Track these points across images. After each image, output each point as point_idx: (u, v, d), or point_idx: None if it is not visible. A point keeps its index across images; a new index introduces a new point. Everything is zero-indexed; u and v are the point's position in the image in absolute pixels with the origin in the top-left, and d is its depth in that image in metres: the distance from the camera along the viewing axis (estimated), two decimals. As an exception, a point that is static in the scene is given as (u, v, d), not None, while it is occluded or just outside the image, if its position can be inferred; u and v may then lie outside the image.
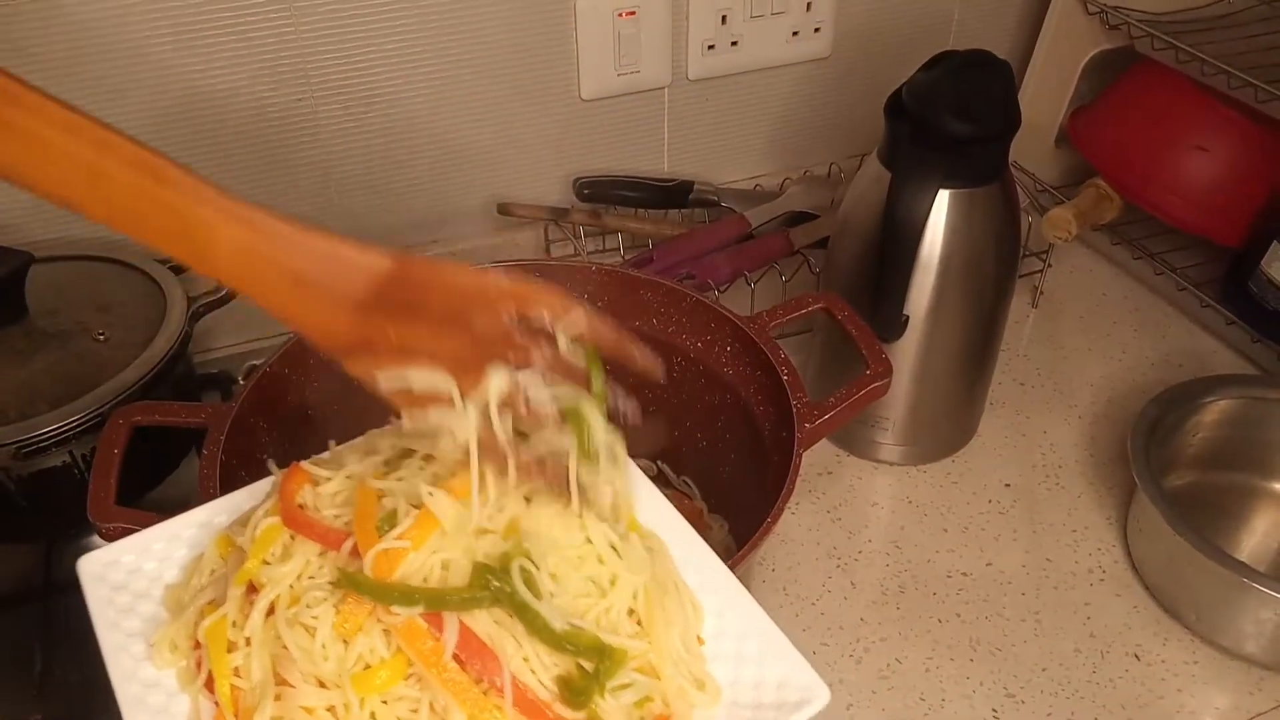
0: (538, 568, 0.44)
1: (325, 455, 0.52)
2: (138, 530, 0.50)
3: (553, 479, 0.46)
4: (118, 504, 0.55)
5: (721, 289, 0.91)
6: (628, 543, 0.48)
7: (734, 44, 0.98)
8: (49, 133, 0.41)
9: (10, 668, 0.68)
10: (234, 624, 0.45)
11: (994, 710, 0.66)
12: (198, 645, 0.46)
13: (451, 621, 0.42)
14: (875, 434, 0.82)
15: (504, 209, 0.97)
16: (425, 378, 0.45)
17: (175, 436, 0.76)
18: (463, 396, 0.44)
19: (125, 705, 0.45)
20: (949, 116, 0.68)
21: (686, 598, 0.48)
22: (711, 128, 1.04)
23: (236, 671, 0.44)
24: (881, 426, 0.82)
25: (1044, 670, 0.69)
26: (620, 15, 0.92)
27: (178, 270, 0.80)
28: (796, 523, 0.79)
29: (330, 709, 0.43)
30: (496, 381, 0.44)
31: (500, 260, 0.73)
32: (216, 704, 0.44)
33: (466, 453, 0.45)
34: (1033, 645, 0.70)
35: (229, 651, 0.44)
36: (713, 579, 0.50)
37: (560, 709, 0.43)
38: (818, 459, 0.84)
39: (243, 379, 0.88)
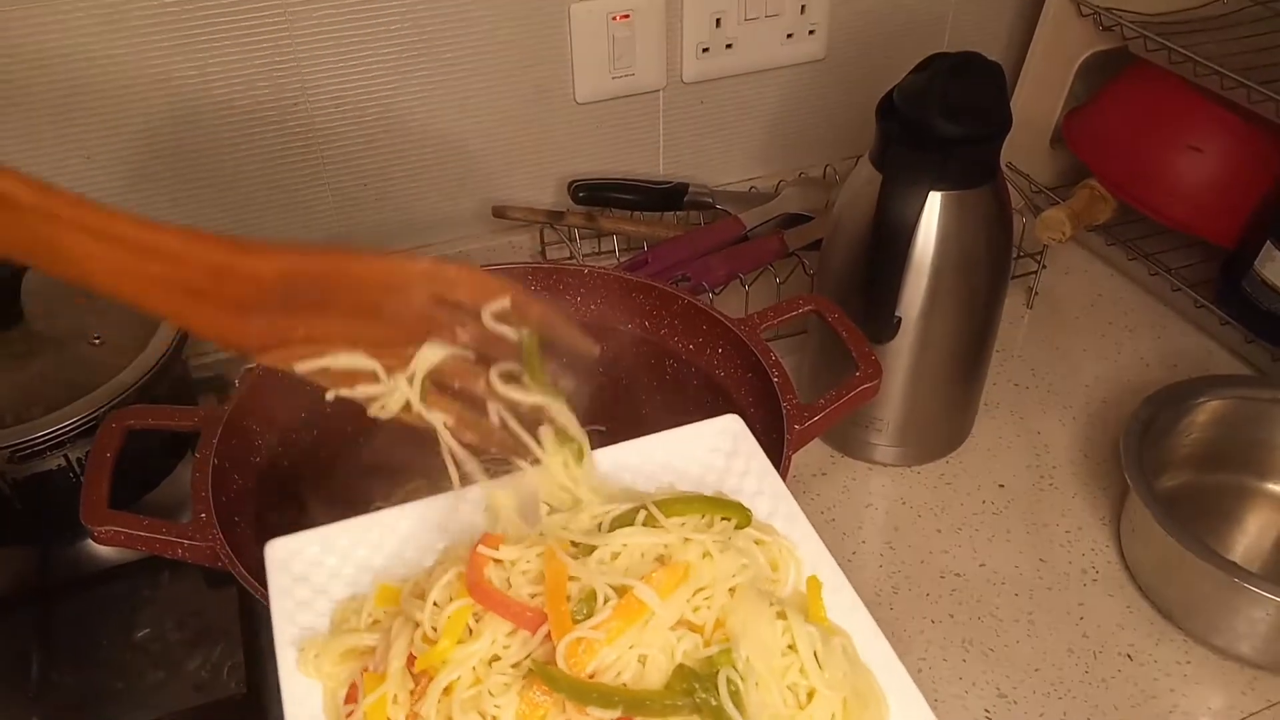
0: (743, 679, 0.42)
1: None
2: (131, 533, 0.50)
3: (507, 440, 0.45)
4: (112, 508, 0.55)
5: (716, 291, 0.91)
6: (829, 648, 0.45)
7: (728, 47, 0.98)
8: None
9: (6, 672, 0.68)
10: (394, 699, 0.43)
11: (986, 711, 0.66)
12: (351, 693, 0.44)
13: None
14: (869, 435, 0.82)
15: (499, 212, 0.97)
16: (345, 359, 0.44)
17: (172, 440, 0.77)
18: (388, 372, 0.44)
19: (287, 702, 0.45)
20: (939, 118, 0.68)
21: (885, 710, 0.46)
22: (706, 130, 1.04)
23: None
24: (875, 428, 0.82)
25: (1037, 670, 0.69)
26: (614, 18, 0.92)
27: (173, 274, 0.80)
28: (790, 524, 0.79)
29: None
30: (427, 353, 0.44)
31: (495, 263, 0.73)
32: None
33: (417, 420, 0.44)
34: (1026, 646, 0.70)
35: None
36: (894, 683, 0.47)
37: None
38: (812, 460, 0.84)
39: (238, 382, 0.89)
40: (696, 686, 0.42)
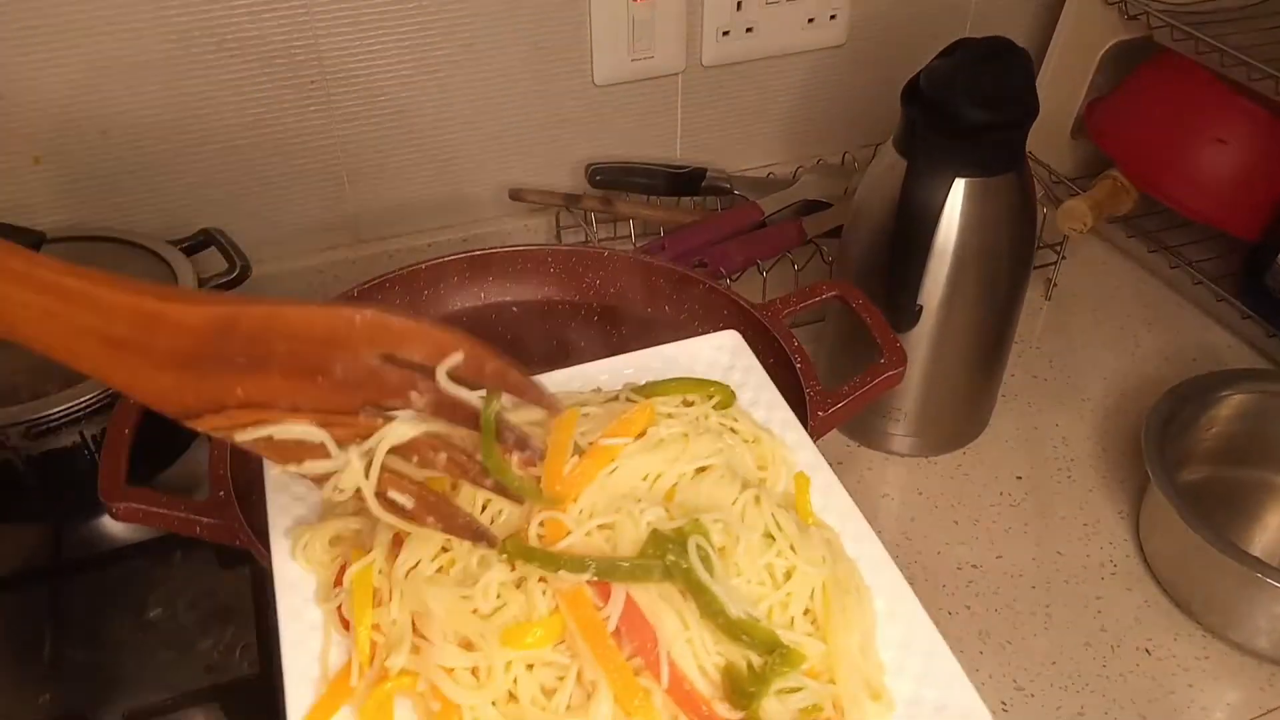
0: (714, 548, 0.43)
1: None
2: (149, 509, 0.50)
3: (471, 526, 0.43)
4: (128, 484, 0.55)
5: (733, 277, 0.90)
6: (806, 535, 0.46)
7: (749, 30, 0.97)
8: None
9: (20, 648, 0.68)
10: (380, 571, 0.45)
11: (1003, 703, 0.66)
12: (340, 575, 0.46)
13: (619, 594, 0.41)
14: (887, 425, 0.82)
15: (516, 195, 0.97)
16: (291, 429, 0.39)
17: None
18: (340, 444, 0.40)
19: (280, 590, 0.46)
20: (966, 104, 0.68)
21: (868, 600, 0.46)
22: (725, 114, 1.03)
23: (376, 627, 0.44)
24: (893, 417, 0.81)
25: (1054, 664, 0.68)
26: (635, 0, 0.91)
27: (189, 251, 0.80)
28: (806, 512, 0.78)
29: (472, 670, 0.42)
30: (394, 430, 0.40)
31: (513, 245, 0.73)
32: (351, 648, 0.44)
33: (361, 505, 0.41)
34: (1043, 639, 0.70)
35: (375, 603, 0.44)
36: (885, 582, 0.47)
37: (719, 707, 0.41)
38: (829, 449, 0.83)
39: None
40: (669, 549, 0.42)
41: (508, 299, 0.72)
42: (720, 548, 0.44)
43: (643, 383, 0.53)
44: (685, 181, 1.00)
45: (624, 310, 0.72)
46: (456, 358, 0.39)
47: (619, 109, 0.98)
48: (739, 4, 0.95)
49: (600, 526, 0.44)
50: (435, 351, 0.39)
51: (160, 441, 0.75)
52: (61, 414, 0.66)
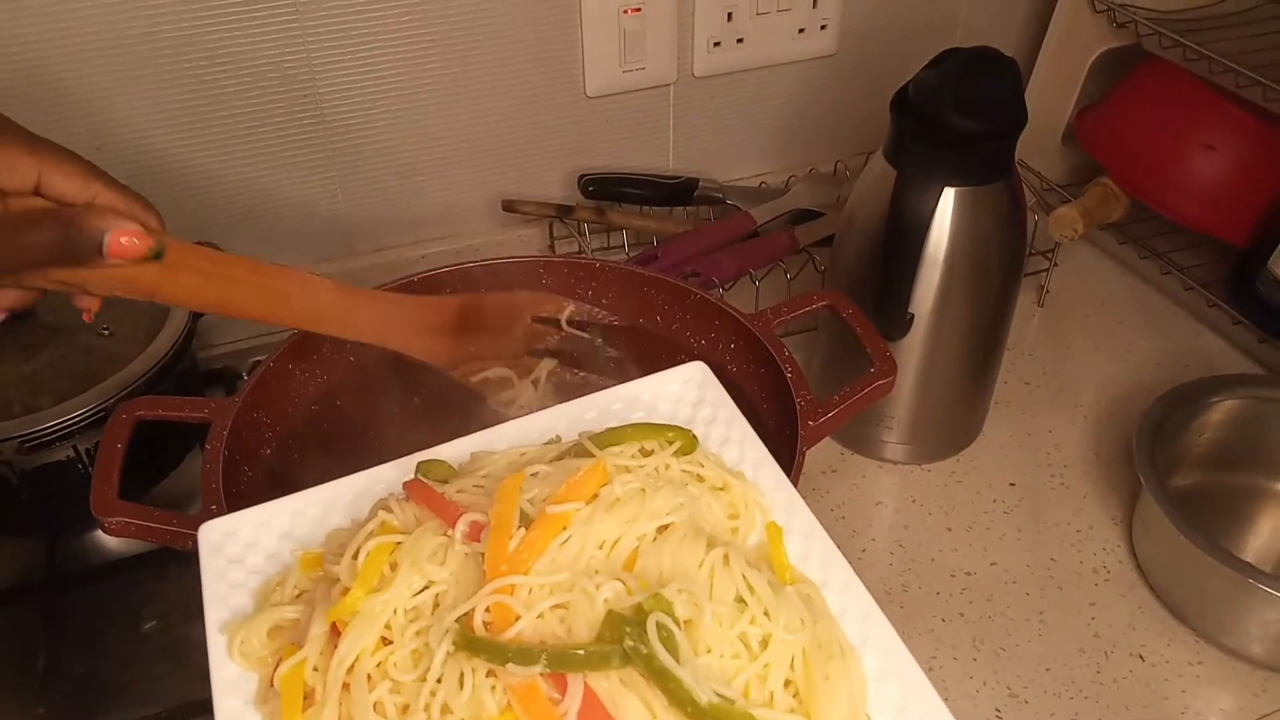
0: (679, 625, 0.39)
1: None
2: (141, 524, 0.50)
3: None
4: (121, 498, 0.55)
5: (726, 286, 0.91)
6: (781, 596, 0.42)
7: (740, 41, 0.98)
8: (256, 279, 0.57)
9: (14, 662, 0.68)
10: (315, 669, 0.42)
11: (997, 710, 0.66)
12: (275, 668, 0.42)
13: (576, 685, 0.38)
14: (880, 432, 0.82)
15: (509, 206, 0.97)
16: (494, 371, 0.65)
17: (180, 432, 0.76)
18: (519, 377, 0.65)
19: (216, 693, 0.43)
20: (955, 113, 0.68)
21: (855, 662, 0.42)
22: (717, 125, 1.04)
23: None
24: (886, 425, 0.81)
25: (1048, 670, 0.68)
26: (626, 12, 0.92)
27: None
28: (800, 521, 0.78)
29: None
30: (542, 365, 0.65)
31: (505, 257, 0.73)
32: None
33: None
34: (1036, 645, 0.70)
35: (306, 705, 0.41)
36: (875, 635, 0.43)
37: None
38: (822, 457, 0.84)
39: (247, 374, 0.88)
40: (627, 631, 0.38)
41: (501, 310, 0.72)
42: (686, 621, 0.40)
43: (602, 430, 0.49)
44: (678, 192, 1.01)
45: (617, 321, 0.72)
46: (570, 306, 0.67)
47: (611, 120, 0.99)
48: (730, 15, 0.96)
49: (554, 607, 0.40)
50: (558, 307, 0.66)
51: (154, 456, 0.75)
52: (55, 428, 0.66)
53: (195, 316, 0.75)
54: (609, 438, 0.48)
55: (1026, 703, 0.66)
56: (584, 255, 0.95)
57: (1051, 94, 1.05)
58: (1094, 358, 0.94)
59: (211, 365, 0.88)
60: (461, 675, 0.39)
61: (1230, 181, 0.92)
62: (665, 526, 0.44)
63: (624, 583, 0.41)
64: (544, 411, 0.53)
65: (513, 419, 0.53)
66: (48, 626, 0.68)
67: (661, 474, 0.47)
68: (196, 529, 0.52)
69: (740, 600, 0.42)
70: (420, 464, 0.49)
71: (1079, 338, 0.96)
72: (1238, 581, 0.65)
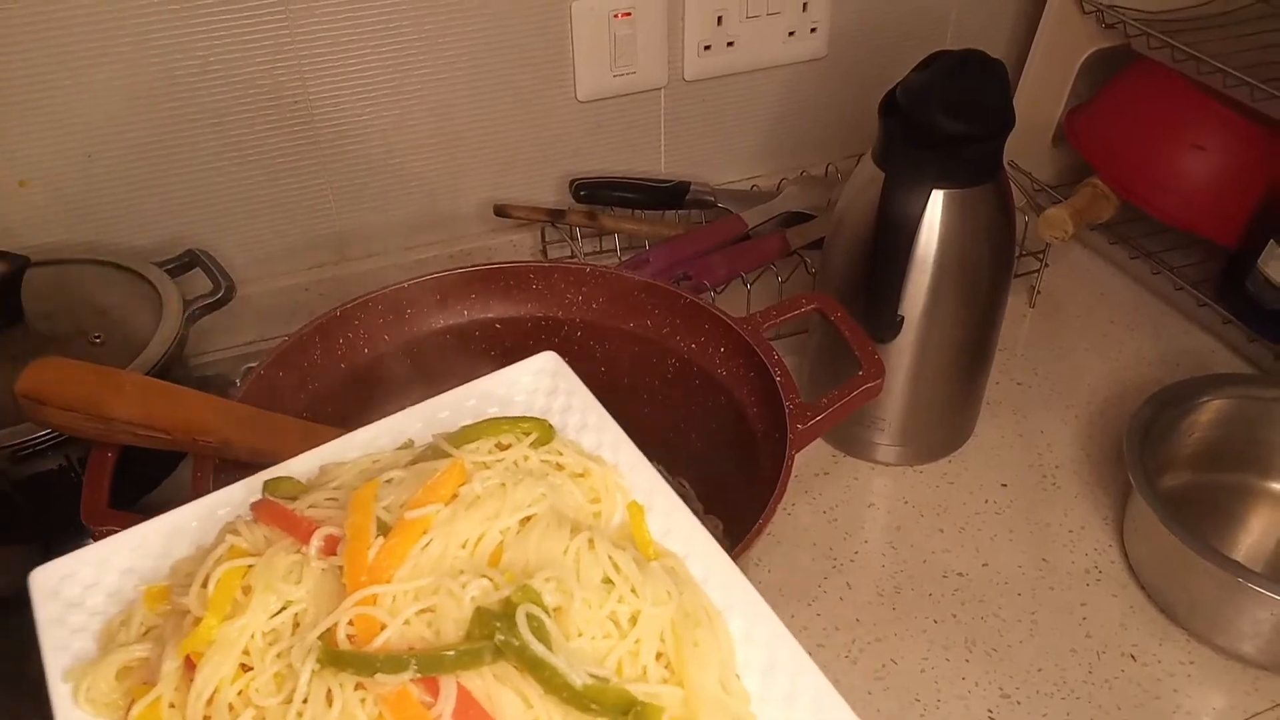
0: (548, 613, 0.39)
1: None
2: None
3: None
4: (113, 508, 0.55)
5: (718, 290, 0.91)
6: (647, 572, 0.43)
7: (730, 45, 0.98)
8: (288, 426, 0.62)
9: (8, 672, 0.68)
10: (171, 705, 0.40)
11: (989, 711, 0.66)
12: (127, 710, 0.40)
13: (449, 686, 0.37)
14: (871, 434, 0.82)
15: (500, 210, 0.97)
16: None
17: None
18: None
19: None
20: (942, 116, 0.68)
21: (721, 627, 0.43)
22: (708, 128, 1.04)
23: None
24: (878, 427, 0.81)
25: (1040, 671, 0.68)
26: (616, 16, 0.92)
27: (174, 272, 0.80)
28: (793, 523, 0.79)
29: None
30: None
31: (497, 261, 0.73)
32: None
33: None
34: (1029, 645, 0.70)
35: None
36: (739, 600, 0.44)
37: None
38: (814, 460, 0.84)
39: (240, 382, 0.88)
40: (496, 626, 0.38)
41: (491, 315, 0.72)
42: (556, 608, 0.40)
43: (457, 429, 0.48)
44: (669, 195, 1.01)
45: (607, 325, 0.72)
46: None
47: (602, 124, 0.99)
48: (719, 19, 0.96)
49: (420, 612, 0.40)
50: None
51: (146, 465, 0.75)
52: (46, 438, 0.66)
53: (188, 324, 0.75)
54: (464, 435, 0.47)
55: (1019, 703, 0.67)
56: (574, 260, 0.96)
57: (1041, 95, 1.05)
58: (1085, 358, 0.94)
59: (204, 373, 0.89)
60: (329, 692, 0.38)
61: (1219, 181, 0.93)
62: (529, 518, 0.44)
63: (490, 579, 0.41)
64: (394, 416, 0.52)
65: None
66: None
67: (520, 466, 0.47)
68: (187, 538, 0.52)
69: (607, 581, 0.42)
70: (267, 482, 0.48)
71: (1070, 338, 0.97)
72: (1228, 581, 0.66)
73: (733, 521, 0.71)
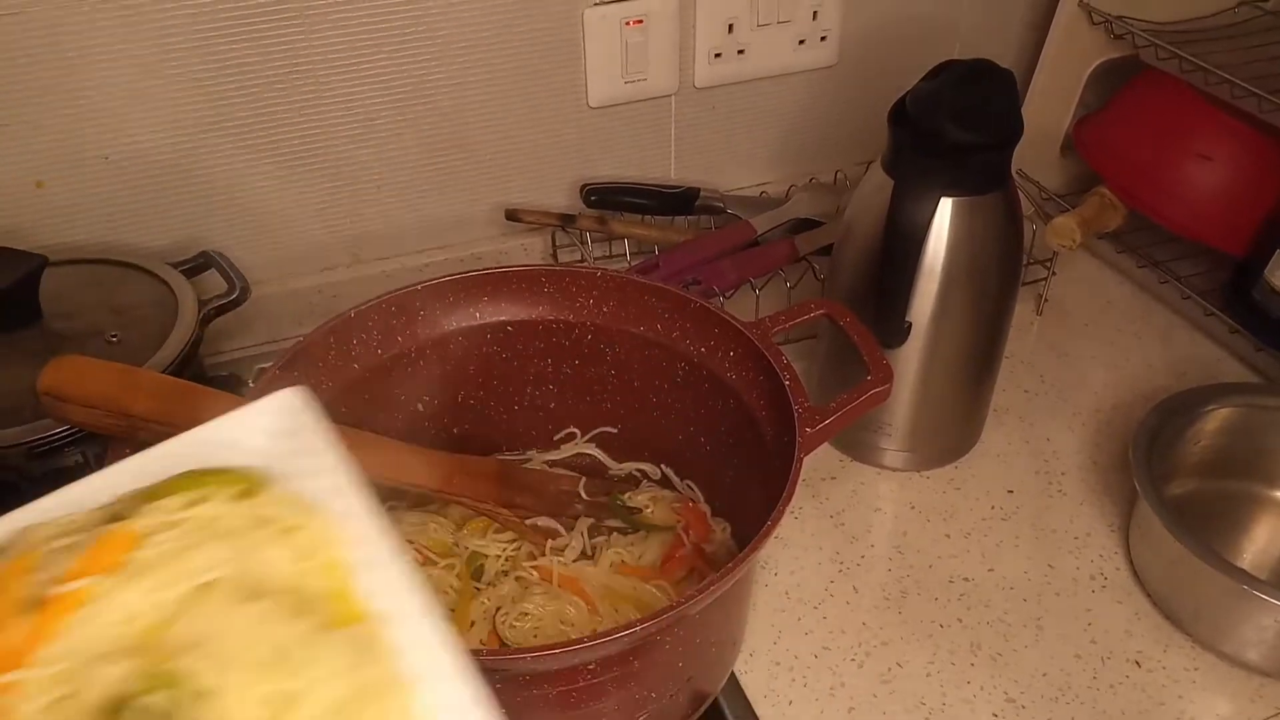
0: (191, 698, 0.36)
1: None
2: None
3: None
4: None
5: (727, 295, 0.91)
6: (324, 642, 0.39)
7: (740, 52, 0.99)
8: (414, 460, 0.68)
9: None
10: None
11: (994, 715, 0.67)
12: None
13: None
14: (879, 440, 0.83)
15: (512, 215, 0.98)
16: (544, 520, 0.72)
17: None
18: (566, 529, 0.73)
19: None
20: (951, 125, 0.69)
21: (410, 701, 0.39)
22: (718, 135, 1.05)
23: None
24: (885, 432, 0.82)
25: (1044, 676, 0.69)
26: (628, 24, 0.93)
27: (189, 273, 0.81)
28: (800, 527, 0.79)
29: None
30: (583, 522, 0.72)
31: (510, 265, 0.74)
32: None
33: None
34: (1034, 651, 0.70)
35: None
36: (441, 664, 0.40)
37: None
38: (821, 464, 0.85)
39: (252, 382, 0.89)
40: (125, 718, 0.35)
41: (503, 318, 0.73)
42: (209, 690, 0.36)
43: (154, 482, 0.43)
44: (679, 201, 1.02)
45: (617, 329, 0.73)
46: (583, 480, 0.75)
47: (613, 130, 1.00)
48: (730, 26, 0.97)
49: (56, 701, 0.36)
50: (574, 482, 0.75)
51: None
52: (63, 434, 0.67)
53: (202, 324, 0.76)
54: (155, 492, 0.42)
55: (1024, 708, 0.67)
56: (584, 264, 0.96)
57: (1050, 104, 1.06)
58: (1092, 365, 0.95)
59: (217, 372, 0.89)
60: None
61: (1227, 191, 0.93)
62: (208, 584, 0.39)
63: (140, 659, 0.37)
64: (104, 471, 0.46)
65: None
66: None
67: (211, 525, 0.41)
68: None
69: (276, 657, 0.38)
70: None
71: (1077, 345, 0.97)
72: (1233, 588, 0.66)
73: (741, 524, 0.71)
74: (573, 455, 0.78)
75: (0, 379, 0.70)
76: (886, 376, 0.63)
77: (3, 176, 0.82)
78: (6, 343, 0.72)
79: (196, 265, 0.83)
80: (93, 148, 0.83)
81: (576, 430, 0.79)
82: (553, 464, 0.78)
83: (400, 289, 0.70)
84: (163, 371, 0.71)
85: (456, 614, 0.64)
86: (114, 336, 0.74)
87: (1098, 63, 1.02)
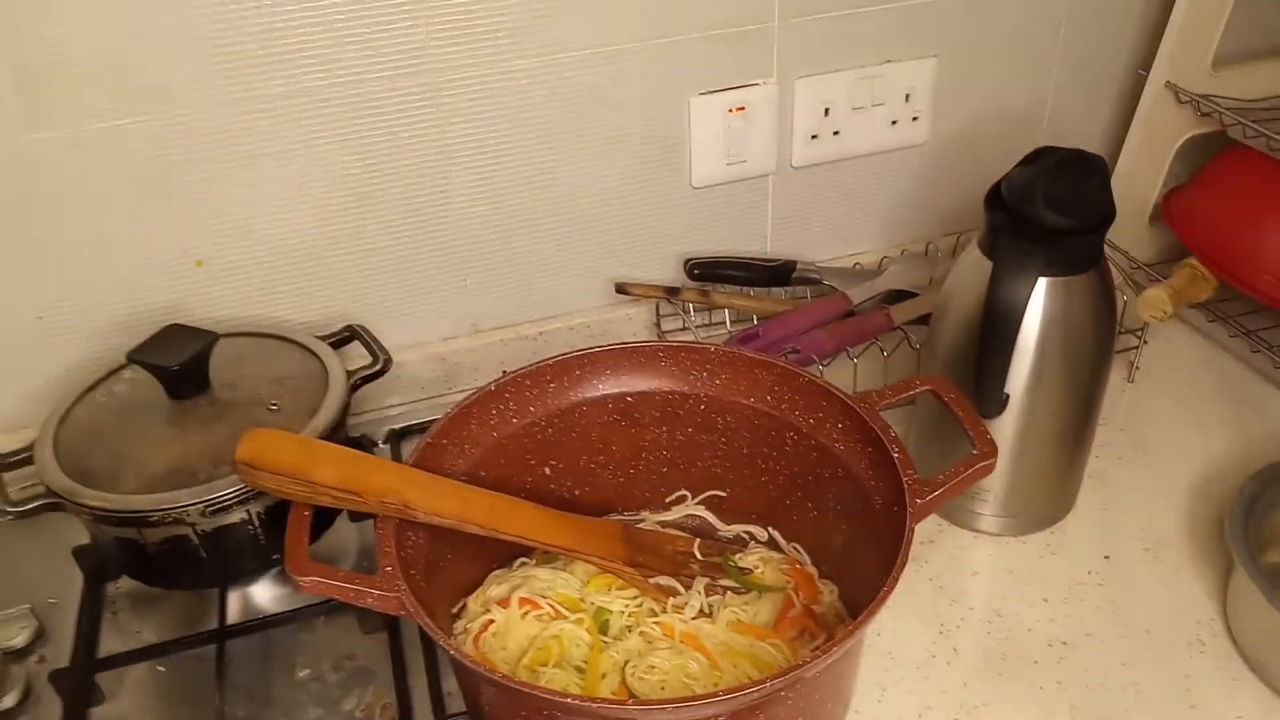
0: None
1: None
2: (330, 583, 0.57)
3: None
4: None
5: (825, 363, 0.96)
6: None
7: (836, 134, 1.04)
8: (482, 500, 0.72)
9: (192, 702, 0.76)
10: None
11: (1097, 776, 0.69)
12: None
13: None
14: (976, 505, 0.86)
15: (621, 288, 1.05)
16: (665, 579, 0.77)
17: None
18: (684, 587, 0.77)
19: None
20: (1047, 211, 0.73)
21: None
22: (813, 210, 1.10)
23: None
24: (982, 499, 0.85)
25: (1145, 739, 0.71)
26: (731, 111, 0.99)
27: (335, 345, 0.89)
28: (901, 589, 0.80)
29: None
30: (699, 582, 0.77)
31: (630, 342, 0.80)
32: None
33: None
34: (1133, 714, 0.73)
35: None
36: None
37: None
38: (921, 529, 0.86)
39: (381, 442, 0.97)
40: None
41: (623, 390, 0.79)
42: None
43: None
44: (777, 273, 1.07)
45: (729, 400, 0.78)
46: (698, 542, 0.80)
47: (714, 208, 1.06)
48: (826, 110, 1.03)
49: None
50: (689, 543, 0.80)
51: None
52: (234, 494, 0.74)
53: (351, 392, 0.84)
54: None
55: (1125, 770, 0.69)
56: (699, 342, 1.02)
57: (1138, 177, 1.09)
58: (1184, 433, 0.97)
59: (352, 434, 0.97)
60: None
61: (1316, 263, 0.95)
62: None
63: None
64: None
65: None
66: (219, 672, 0.76)
67: None
68: (373, 588, 0.59)
69: None
70: None
71: (1170, 413, 0.99)
72: (1333, 657, 0.68)
73: (847, 587, 0.75)
74: (683, 516, 0.84)
75: (178, 443, 0.78)
76: (992, 451, 0.67)
77: (165, 256, 0.91)
78: (181, 410, 0.80)
79: (342, 339, 0.91)
80: (246, 231, 0.92)
81: (687, 493, 0.84)
82: (664, 524, 0.83)
83: (535, 363, 0.77)
84: (319, 435, 0.78)
85: (589, 665, 0.69)
86: (274, 405, 0.81)
87: (1185, 137, 1.05)
